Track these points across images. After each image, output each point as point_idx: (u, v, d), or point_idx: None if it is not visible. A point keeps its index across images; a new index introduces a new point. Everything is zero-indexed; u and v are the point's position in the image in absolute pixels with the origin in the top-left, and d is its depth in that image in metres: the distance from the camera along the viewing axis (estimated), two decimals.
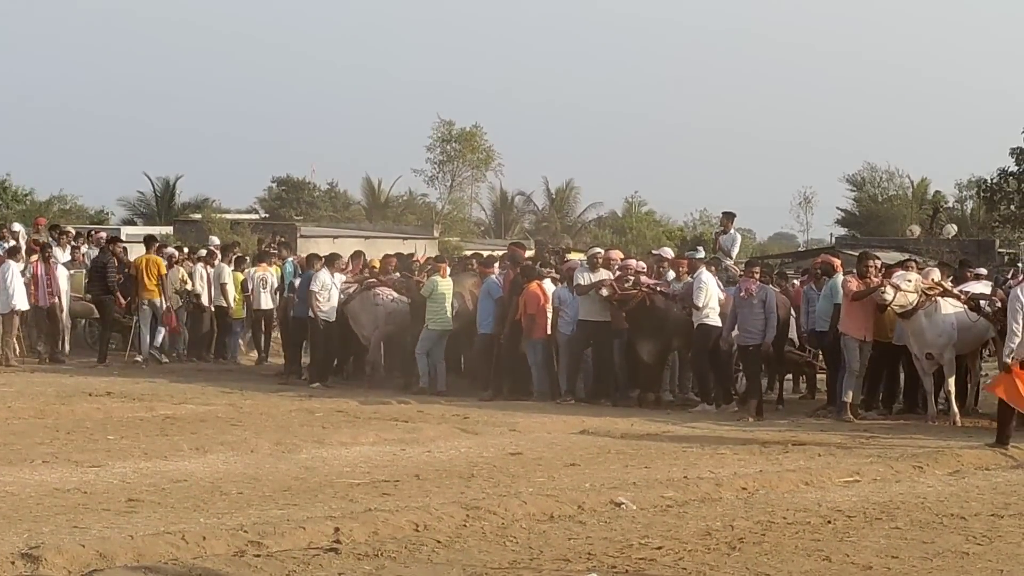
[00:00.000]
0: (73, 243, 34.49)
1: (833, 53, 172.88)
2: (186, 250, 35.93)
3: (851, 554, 12.39)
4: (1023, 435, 20.47)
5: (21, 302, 28.60)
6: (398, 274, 28.34)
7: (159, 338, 31.18)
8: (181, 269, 31.33)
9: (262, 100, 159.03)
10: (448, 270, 27.18)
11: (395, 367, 27.85)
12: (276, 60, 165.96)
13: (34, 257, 29.91)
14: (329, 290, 26.89)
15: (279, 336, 31.73)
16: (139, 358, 30.43)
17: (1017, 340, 19.87)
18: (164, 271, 30.87)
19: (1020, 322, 19.85)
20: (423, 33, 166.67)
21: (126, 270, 31.24)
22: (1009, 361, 19.73)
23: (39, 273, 29.34)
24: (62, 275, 30.32)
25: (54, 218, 50.88)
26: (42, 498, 13.81)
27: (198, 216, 70.29)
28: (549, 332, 25.31)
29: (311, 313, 26.80)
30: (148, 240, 34.20)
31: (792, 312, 25.36)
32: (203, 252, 33.77)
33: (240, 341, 32.33)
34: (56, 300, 29.74)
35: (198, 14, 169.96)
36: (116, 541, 11.69)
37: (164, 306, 30.80)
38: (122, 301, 30.85)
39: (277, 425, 20.58)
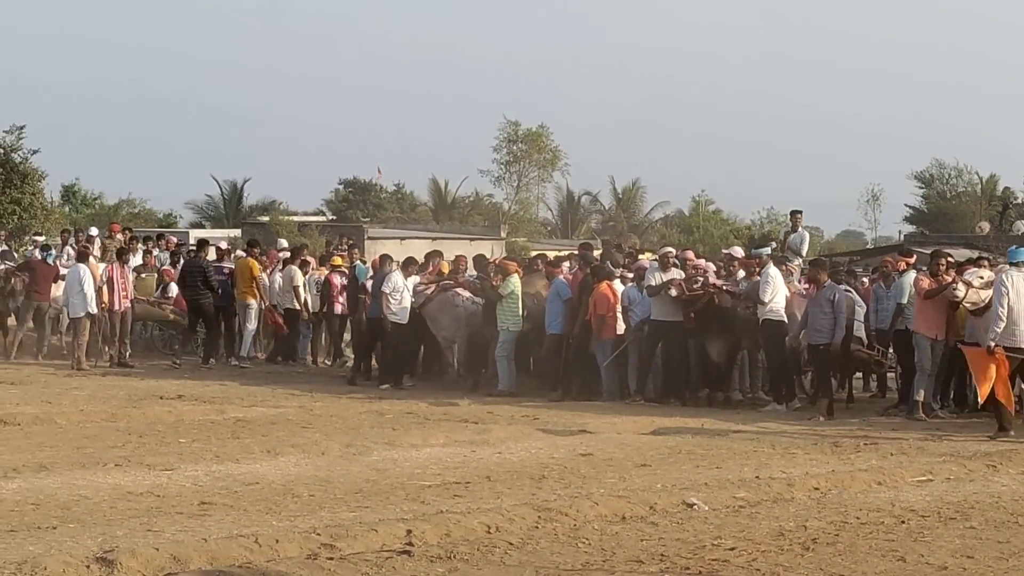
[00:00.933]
0: (144, 247, 34.69)
1: (900, 48, 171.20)
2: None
3: (926, 554, 12.32)
4: None
5: (92, 307, 28.70)
6: (473, 274, 28.34)
7: (247, 342, 31.63)
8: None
9: (328, 102, 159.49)
10: (520, 270, 27.17)
11: (471, 368, 27.81)
12: (341, 62, 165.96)
13: (106, 263, 30.09)
14: (401, 292, 26.83)
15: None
16: (234, 361, 30.78)
17: (1002, 324, 20.59)
18: (257, 273, 31.21)
19: (1005, 307, 20.61)
20: (489, 32, 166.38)
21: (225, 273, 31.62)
22: (992, 345, 20.53)
23: (114, 277, 29.44)
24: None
25: (124, 222, 51.10)
26: (115, 501, 13.88)
27: (266, 219, 70.51)
28: (620, 332, 25.27)
29: (383, 314, 26.78)
30: (251, 243, 34.89)
31: (859, 310, 25.23)
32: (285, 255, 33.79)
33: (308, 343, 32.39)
34: (129, 304, 29.87)
35: (264, 13, 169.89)
36: (189, 544, 11.73)
37: (261, 307, 31.38)
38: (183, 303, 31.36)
39: (347, 427, 20.63)
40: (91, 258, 29.97)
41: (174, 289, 31.84)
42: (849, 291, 25.41)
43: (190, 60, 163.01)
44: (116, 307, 29.48)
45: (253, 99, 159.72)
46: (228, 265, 31.71)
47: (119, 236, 36.53)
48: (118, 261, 30.25)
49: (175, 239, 40.22)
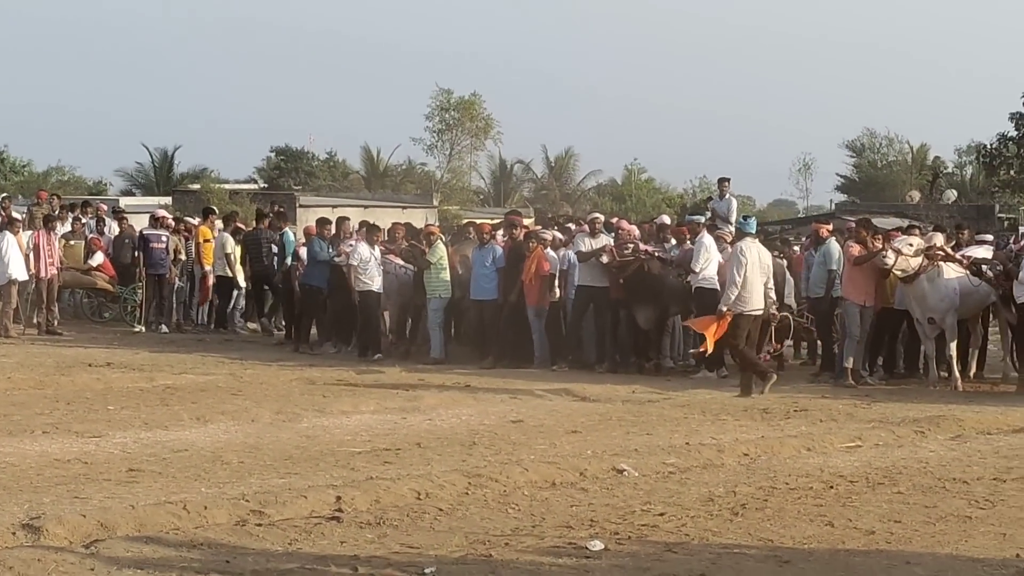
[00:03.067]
0: (73, 214, 34.48)
1: (833, 15, 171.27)
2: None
3: (854, 519, 12.40)
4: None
5: (19, 272, 28.55)
6: (405, 243, 28.28)
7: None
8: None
9: (260, 70, 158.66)
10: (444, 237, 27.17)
11: (402, 336, 27.79)
12: (274, 29, 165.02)
13: (32, 230, 29.91)
14: (368, 262, 26.54)
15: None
16: (164, 328, 30.86)
17: (735, 291, 21.19)
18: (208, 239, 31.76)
19: (741, 276, 21.14)
20: (421, 0, 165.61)
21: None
22: (725, 310, 21.24)
23: (40, 244, 29.25)
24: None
25: (53, 189, 50.73)
26: (43, 469, 13.80)
27: (197, 186, 70.19)
28: (555, 299, 25.30)
29: (355, 287, 26.46)
30: (205, 211, 35.36)
31: (789, 278, 25.36)
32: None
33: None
34: (56, 271, 29.70)
35: None
36: (117, 511, 11.69)
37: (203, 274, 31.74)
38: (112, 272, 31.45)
39: (278, 394, 20.57)
40: (16, 225, 29.75)
41: (100, 257, 31.78)
42: (780, 259, 25.58)
43: (118, 27, 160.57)
44: (43, 274, 29.31)
45: (184, 65, 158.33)
46: (164, 233, 31.46)
47: (45, 205, 36.20)
48: (44, 228, 30.03)
49: (104, 206, 40.00)
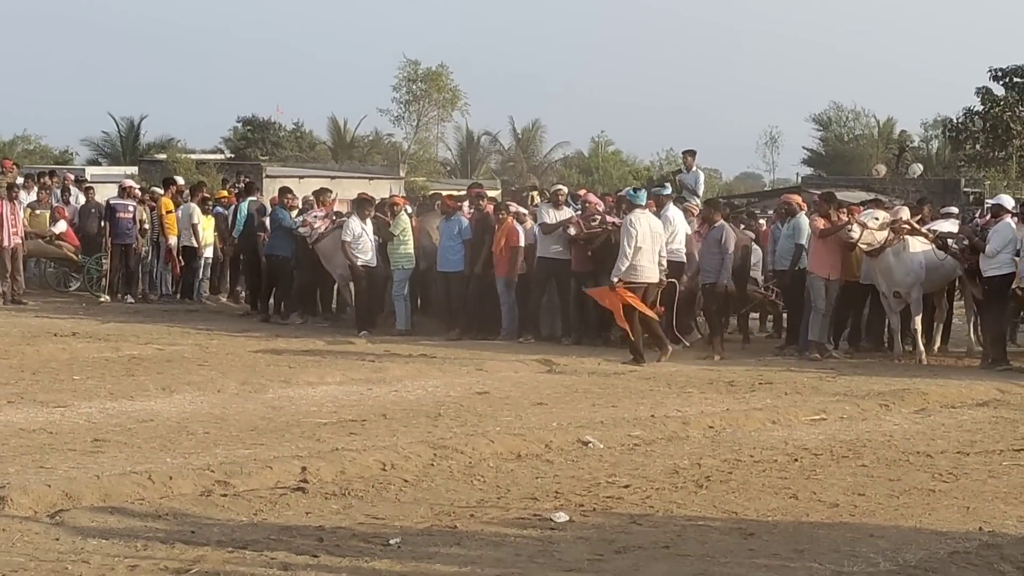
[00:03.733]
0: (38, 183, 34.39)
1: None
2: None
3: (818, 492, 12.46)
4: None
5: None
6: (371, 214, 28.21)
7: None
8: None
9: (227, 40, 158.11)
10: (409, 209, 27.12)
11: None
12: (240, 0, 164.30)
13: None
14: (360, 237, 26.11)
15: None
16: (130, 299, 31.07)
17: (627, 263, 21.75)
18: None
19: (631, 247, 21.69)
20: None
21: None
22: (616, 280, 21.79)
23: (3, 213, 29.10)
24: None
25: (18, 159, 50.62)
26: (7, 439, 13.77)
27: (163, 156, 70.10)
28: (522, 271, 25.31)
29: (350, 262, 25.97)
30: (166, 181, 35.42)
31: (756, 251, 25.43)
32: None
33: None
34: (20, 241, 29.59)
35: None
36: (82, 481, 11.68)
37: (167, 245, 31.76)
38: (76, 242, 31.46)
39: (243, 365, 20.56)
40: None
41: (63, 226, 31.69)
42: (748, 232, 25.65)
43: None
44: (6, 243, 29.14)
45: (151, 35, 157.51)
46: (131, 203, 31.42)
47: (9, 173, 36.06)
48: (7, 197, 29.86)
49: (71, 176, 39.95)
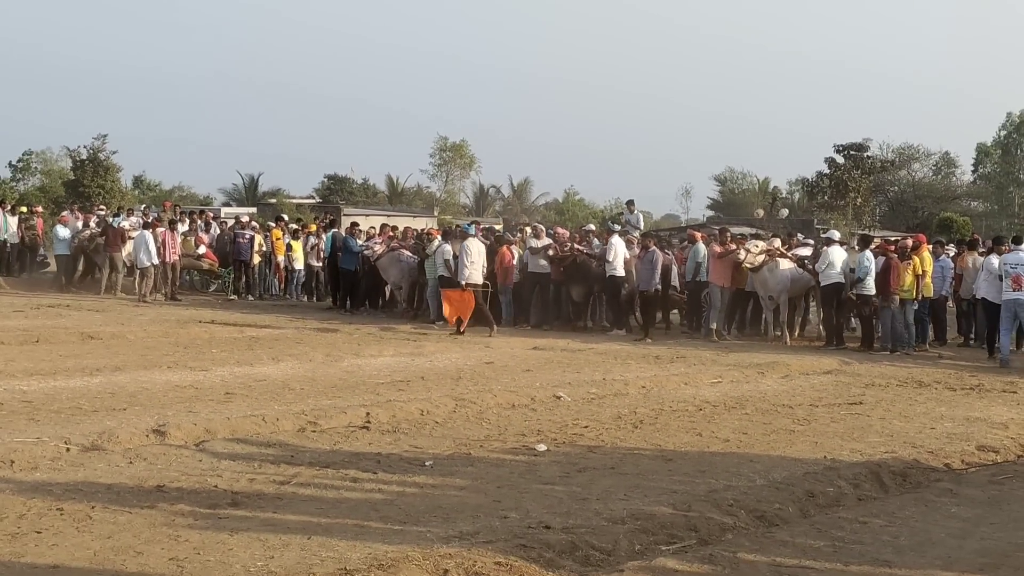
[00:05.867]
0: (190, 218, 34.41)
1: (702, 76, 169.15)
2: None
3: (715, 431, 12.48)
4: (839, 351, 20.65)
5: (154, 259, 28.59)
6: (414, 241, 28.28)
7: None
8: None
9: (318, 120, 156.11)
10: (439, 235, 27.06)
11: (411, 304, 27.71)
12: (322, 97, 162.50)
13: (162, 228, 29.84)
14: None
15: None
16: (250, 297, 30.93)
17: (467, 272, 22.92)
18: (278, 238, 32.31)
19: (469, 261, 23.11)
20: (423, 66, 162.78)
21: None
22: (464, 284, 22.91)
23: (167, 239, 29.19)
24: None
25: (174, 201, 50.50)
26: (167, 392, 13.78)
27: (274, 200, 70.20)
28: (516, 280, 25.38)
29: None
30: (277, 218, 36.22)
31: (675, 268, 25.50)
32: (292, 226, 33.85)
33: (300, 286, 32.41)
34: (177, 258, 29.71)
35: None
36: (218, 421, 11.69)
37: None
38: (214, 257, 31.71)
39: (327, 343, 20.52)
40: (155, 227, 29.70)
41: (203, 248, 31.90)
42: (669, 255, 25.73)
43: (217, 85, 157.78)
44: (168, 259, 29.28)
45: (265, 115, 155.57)
46: (248, 232, 31.51)
47: (169, 211, 36.08)
48: (169, 228, 30.01)
49: (211, 213, 39.94)
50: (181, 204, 49.87)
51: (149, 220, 31.24)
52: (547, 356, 19.55)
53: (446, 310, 23.53)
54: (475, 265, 23.28)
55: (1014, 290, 20.04)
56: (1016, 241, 21.11)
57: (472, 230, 24.71)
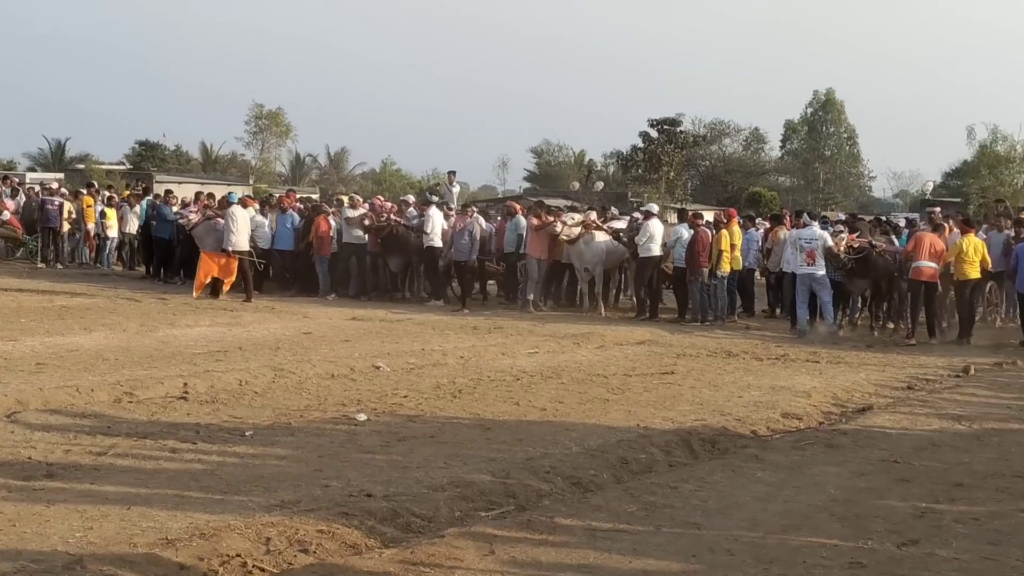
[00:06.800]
0: None
1: (524, 49, 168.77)
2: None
3: (532, 399, 12.67)
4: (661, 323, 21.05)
5: None
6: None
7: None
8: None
9: (129, 82, 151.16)
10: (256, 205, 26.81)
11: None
12: (141, 52, 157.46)
13: None
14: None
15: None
16: (59, 266, 30.06)
17: (234, 238, 23.14)
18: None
19: (235, 229, 23.17)
20: (239, 35, 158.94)
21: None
22: (230, 249, 23.25)
23: None
24: None
25: None
26: None
27: (82, 166, 68.37)
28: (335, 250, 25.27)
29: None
30: (88, 185, 35.35)
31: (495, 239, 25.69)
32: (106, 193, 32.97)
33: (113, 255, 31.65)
34: None
35: None
36: (29, 392, 11.48)
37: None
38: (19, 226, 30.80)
39: (141, 312, 20.18)
40: None
41: (7, 215, 31.02)
42: (489, 227, 25.90)
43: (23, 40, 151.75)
44: None
45: (76, 75, 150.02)
46: (57, 198, 30.76)
47: None
48: None
49: (16, 179, 38.74)
50: None
51: None
52: (366, 326, 19.57)
53: (200, 273, 23.70)
54: (241, 233, 23.44)
55: (808, 265, 20.77)
56: (811, 217, 21.91)
57: (235, 198, 24.71)
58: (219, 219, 26.33)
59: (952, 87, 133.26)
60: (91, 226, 31.15)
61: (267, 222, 25.77)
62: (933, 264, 20.06)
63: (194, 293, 23.35)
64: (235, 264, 23.29)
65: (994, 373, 16.61)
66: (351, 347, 16.57)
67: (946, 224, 22.24)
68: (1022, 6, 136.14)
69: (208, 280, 23.55)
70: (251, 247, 23.96)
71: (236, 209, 23.73)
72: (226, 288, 23.35)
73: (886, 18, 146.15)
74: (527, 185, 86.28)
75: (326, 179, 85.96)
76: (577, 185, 65.64)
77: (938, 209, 26.03)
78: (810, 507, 8.50)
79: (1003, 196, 43.45)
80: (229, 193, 26.20)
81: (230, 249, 23.21)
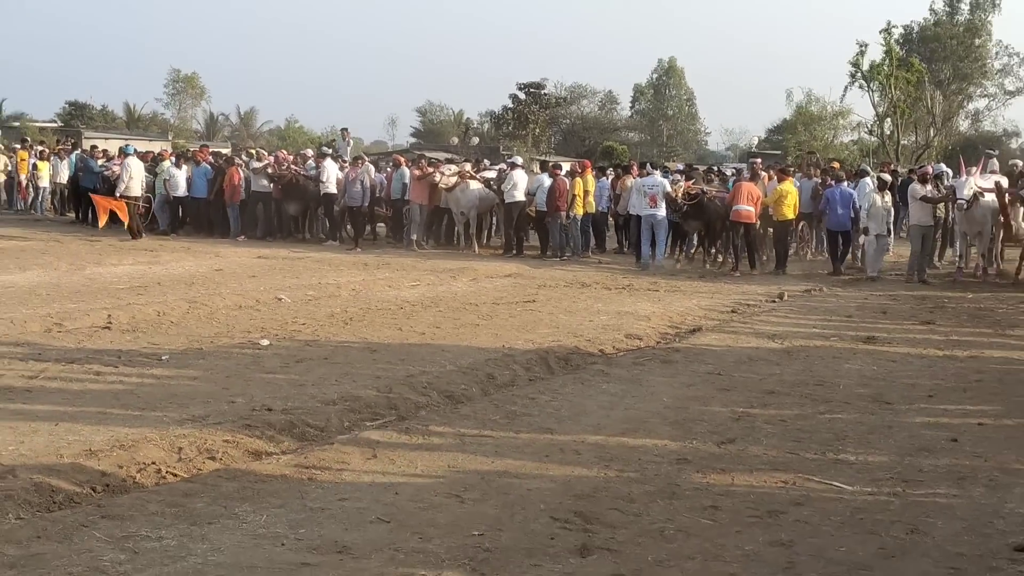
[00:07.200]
0: None
1: (409, 17, 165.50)
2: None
3: (413, 326, 12.69)
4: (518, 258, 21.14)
5: None
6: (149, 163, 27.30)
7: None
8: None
9: (60, 46, 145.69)
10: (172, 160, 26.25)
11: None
12: (72, 18, 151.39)
13: None
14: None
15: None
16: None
17: (125, 184, 23.08)
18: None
19: (127, 175, 23.08)
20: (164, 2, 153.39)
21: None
22: (119, 195, 23.00)
23: None
24: None
25: None
26: None
27: (17, 124, 66.22)
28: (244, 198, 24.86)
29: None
30: (23, 141, 34.82)
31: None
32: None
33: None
34: None
35: None
36: None
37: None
38: None
39: (71, 253, 19.71)
40: None
41: None
42: (378, 176, 25.67)
43: None
44: None
45: (7, 29, 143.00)
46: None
47: None
48: None
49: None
50: None
51: None
52: (270, 264, 19.34)
53: (99, 210, 23.65)
54: (133, 181, 23.32)
55: (650, 207, 21.01)
56: (653, 167, 22.12)
57: (131, 150, 24.80)
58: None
59: (775, 56, 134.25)
60: (23, 177, 30.18)
61: (183, 173, 25.23)
62: (751, 208, 20.40)
63: (99, 224, 23.41)
64: (123, 205, 23.05)
65: (804, 299, 16.99)
66: (257, 282, 16.38)
67: (765, 173, 22.63)
68: None
69: (106, 215, 23.40)
70: (144, 194, 23.92)
71: (131, 160, 23.62)
72: (126, 222, 23.14)
73: None
74: (413, 140, 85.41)
75: (237, 135, 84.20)
76: (456, 140, 65.26)
77: (758, 160, 26.30)
78: (646, 413, 8.66)
79: (814, 149, 44.19)
80: (126, 145, 26.00)
81: (118, 194, 23.08)
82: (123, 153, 24.25)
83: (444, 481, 6.63)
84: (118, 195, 22.96)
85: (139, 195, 23.38)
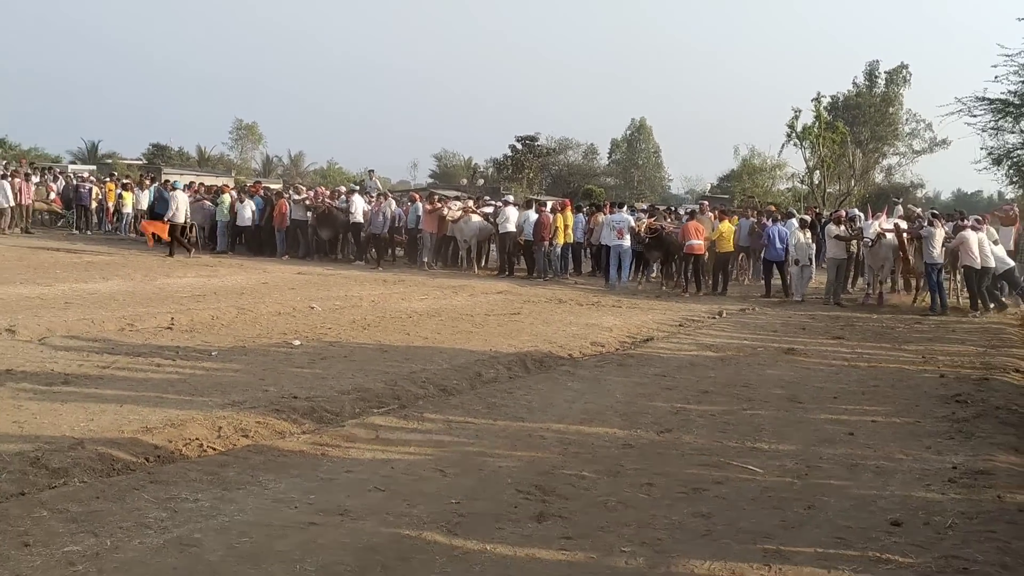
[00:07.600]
0: (42, 172, 32.18)
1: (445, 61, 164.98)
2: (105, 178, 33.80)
3: (419, 332, 12.67)
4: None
5: (11, 201, 26.85)
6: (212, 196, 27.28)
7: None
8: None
9: (145, 97, 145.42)
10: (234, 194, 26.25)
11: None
12: (149, 75, 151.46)
13: (19, 179, 27.82)
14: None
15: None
16: (88, 232, 29.08)
17: (171, 213, 22.43)
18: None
19: (173, 208, 22.47)
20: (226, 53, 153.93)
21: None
22: (167, 220, 22.43)
23: (23, 187, 27.31)
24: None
25: (30, 159, 46.89)
26: (19, 301, 13.03)
27: (110, 161, 66.34)
28: (288, 224, 24.81)
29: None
30: (111, 175, 34.12)
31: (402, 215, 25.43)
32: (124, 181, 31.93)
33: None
34: (30, 201, 28.03)
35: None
36: (57, 323, 11.22)
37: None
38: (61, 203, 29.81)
39: (145, 267, 19.66)
40: (13, 177, 27.67)
41: (53, 195, 30.35)
42: (399, 209, 25.63)
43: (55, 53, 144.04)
44: (24, 202, 27.52)
45: (103, 86, 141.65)
46: (88, 184, 29.95)
47: (25, 166, 33.57)
48: (25, 179, 28.03)
49: (59, 169, 37.44)
50: (36, 161, 46.43)
51: (7, 173, 29.08)
52: (307, 279, 19.32)
53: (147, 233, 23.52)
54: (179, 211, 22.92)
55: (618, 239, 21.07)
56: (620, 207, 22.19)
57: (179, 185, 24.45)
58: (205, 201, 25.88)
59: (726, 118, 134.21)
60: (111, 204, 30.24)
61: (248, 207, 25.23)
62: (700, 241, 20.44)
63: (149, 244, 23.49)
64: (166, 228, 22.83)
65: (739, 316, 17.00)
66: (295, 293, 16.37)
67: (711, 213, 22.67)
68: (764, 65, 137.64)
69: (152, 235, 23.27)
70: (187, 222, 23.83)
71: (178, 193, 23.40)
72: (166, 239, 22.89)
73: (679, 66, 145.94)
74: (431, 180, 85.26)
75: (288, 174, 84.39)
76: (465, 181, 65.42)
77: (705, 203, 26.32)
78: (602, 407, 8.68)
79: (754, 195, 44.31)
80: (175, 181, 25.98)
81: (166, 218, 22.81)
82: (172, 187, 24.23)
83: (432, 458, 6.64)
84: (165, 220, 22.79)
85: (183, 221, 23.26)
